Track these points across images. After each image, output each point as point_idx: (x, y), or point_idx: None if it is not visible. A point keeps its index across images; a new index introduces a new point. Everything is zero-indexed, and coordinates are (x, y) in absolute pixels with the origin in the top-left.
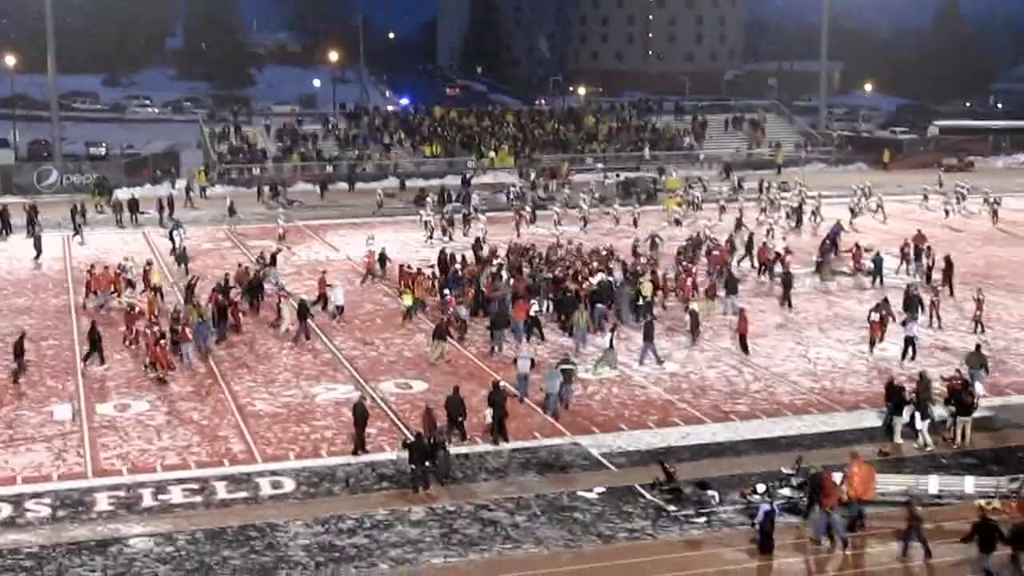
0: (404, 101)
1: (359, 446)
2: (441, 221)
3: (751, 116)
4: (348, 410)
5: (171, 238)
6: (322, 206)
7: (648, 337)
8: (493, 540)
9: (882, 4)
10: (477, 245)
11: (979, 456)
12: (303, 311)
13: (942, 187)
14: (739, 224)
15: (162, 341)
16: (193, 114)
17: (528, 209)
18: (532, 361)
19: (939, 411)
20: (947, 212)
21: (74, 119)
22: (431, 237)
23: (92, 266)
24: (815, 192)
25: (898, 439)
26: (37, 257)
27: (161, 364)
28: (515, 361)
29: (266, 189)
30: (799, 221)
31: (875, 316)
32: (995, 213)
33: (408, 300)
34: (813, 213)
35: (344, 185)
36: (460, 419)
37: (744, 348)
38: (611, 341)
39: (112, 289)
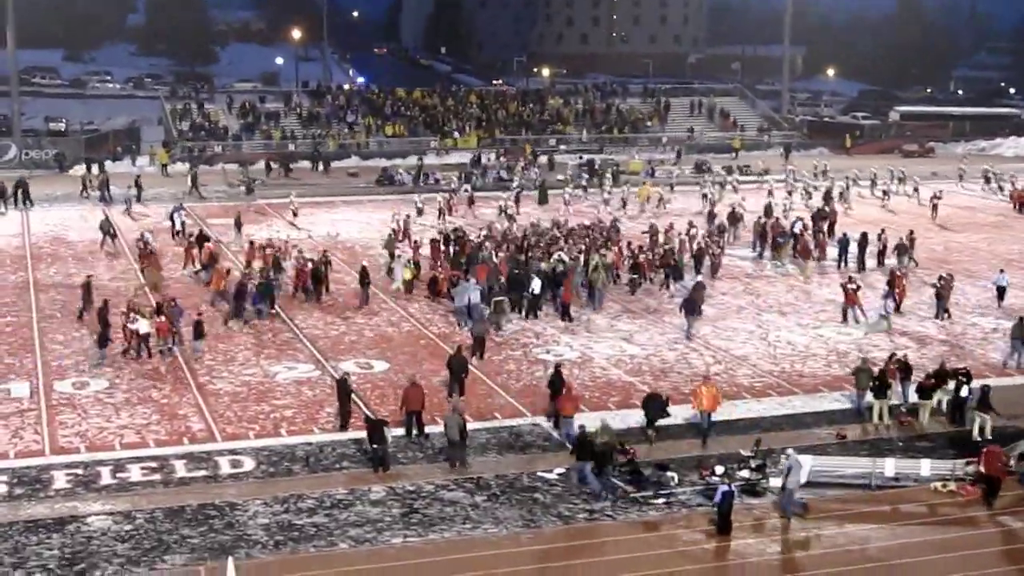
0: (360, 80)
1: (345, 422)
2: (451, 201)
3: (721, 106)
4: (308, 389)
5: (171, 219)
6: (283, 184)
7: (690, 311)
8: (453, 520)
9: None
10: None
11: (936, 439)
12: (363, 278)
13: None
14: (769, 211)
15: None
16: (154, 90)
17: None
18: (481, 293)
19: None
20: (1001, 188)
21: (33, 94)
22: (441, 216)
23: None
24: (847, 175)
25: (887, 420)
26: (112, 238)
27: (163, 334)
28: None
29: (274, 164)
30: (828, 204)
31: (851, 287)
32: (935, 207)
33: (408, 274)
34: (840, 195)
35: (306, 163)
36: (463, 376)
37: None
38: (887, 307)
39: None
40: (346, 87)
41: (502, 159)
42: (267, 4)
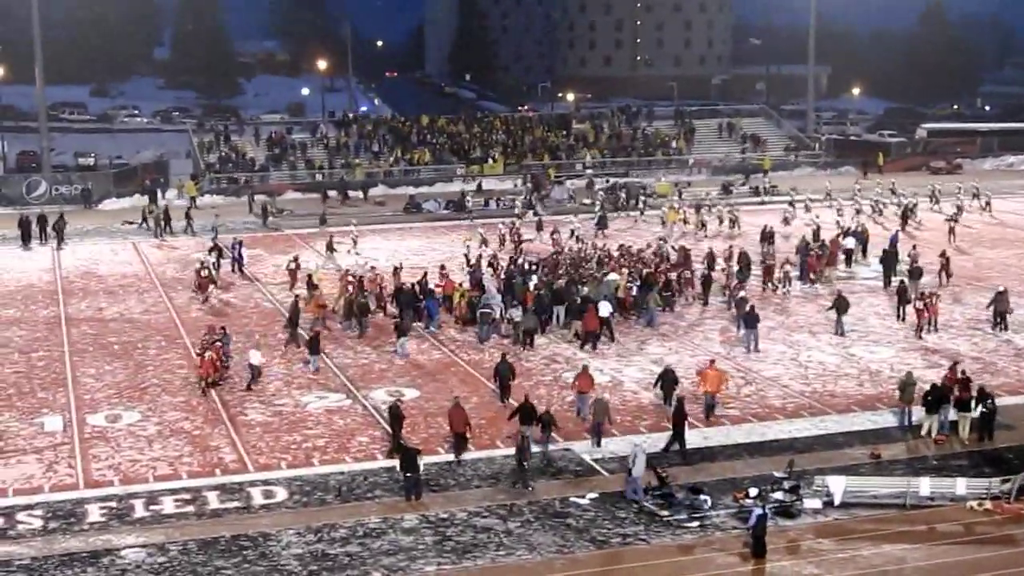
0: (364, 108)
1: (395, 448)
2: (515, 227)
3: (750, 132)
4: (340, 419)
5: (232, 251)
6: (312, 215)
7: (750, 325)
8: (486, 547)
9: (868, 7)
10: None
11: (971, 457)
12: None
13: None
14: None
15: (207, 354)
16: (182, 124)
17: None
18: (501, 310)
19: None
20: None
21: (62, 130)
22: (502, 244)
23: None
24: (915, 192)
25: (936, 435)
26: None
27: (205, 373)
28: (486, 305)
29: (331, 193)
30: (905, 222)
31: (919, 304)
32: (952, 230)
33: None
34: (911, 210)
35: (334, 193)
36: (510, 382)
37: (582, 345)
38: None
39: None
40: (350, 115)
41: (528, 185)
42: (292, 35)
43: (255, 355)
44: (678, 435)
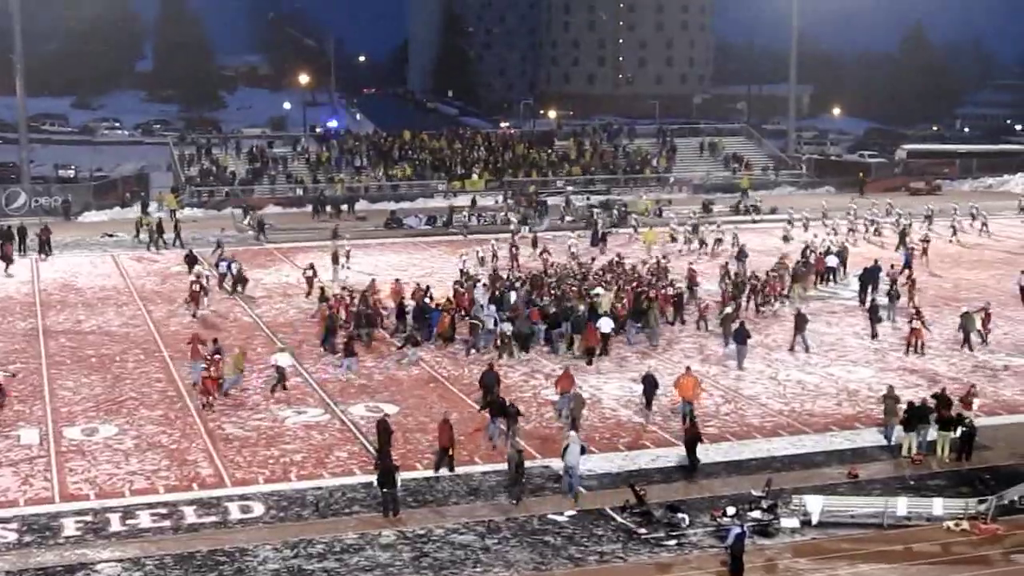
0: (333, 124)
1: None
2: (513, 242)
3: (732, 152)
4: (317, 434)
5: (217, 266)
6: (293, 229)
7: (740, 341)
8: (464, 564)
9: (850, 29)
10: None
11: (949, 477)
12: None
13: None
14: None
15: (211, 369)
16: (163, 136)
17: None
18: (495, 320)
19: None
20: None
21: (43, 141)
22: (495, 259)
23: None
24: (905, 213)
25: (914, 454)
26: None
27: (206, 392)
28: (478, 317)
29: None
30: (903, 242)
31: (916, 323)
32: (925, 251)
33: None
34: (907, 230)
35: (308, 208)
36: (496, 389)
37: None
38: None
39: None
40: (317, 130)
41: (509, 201)
42: (274, 49)
43: (283, 358)
44: (691, 452)
